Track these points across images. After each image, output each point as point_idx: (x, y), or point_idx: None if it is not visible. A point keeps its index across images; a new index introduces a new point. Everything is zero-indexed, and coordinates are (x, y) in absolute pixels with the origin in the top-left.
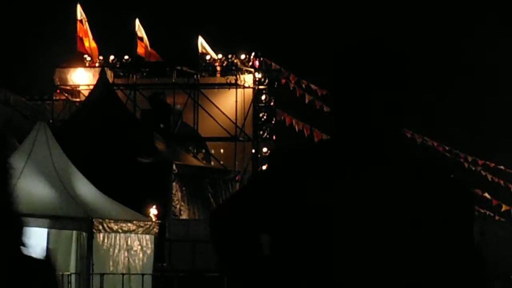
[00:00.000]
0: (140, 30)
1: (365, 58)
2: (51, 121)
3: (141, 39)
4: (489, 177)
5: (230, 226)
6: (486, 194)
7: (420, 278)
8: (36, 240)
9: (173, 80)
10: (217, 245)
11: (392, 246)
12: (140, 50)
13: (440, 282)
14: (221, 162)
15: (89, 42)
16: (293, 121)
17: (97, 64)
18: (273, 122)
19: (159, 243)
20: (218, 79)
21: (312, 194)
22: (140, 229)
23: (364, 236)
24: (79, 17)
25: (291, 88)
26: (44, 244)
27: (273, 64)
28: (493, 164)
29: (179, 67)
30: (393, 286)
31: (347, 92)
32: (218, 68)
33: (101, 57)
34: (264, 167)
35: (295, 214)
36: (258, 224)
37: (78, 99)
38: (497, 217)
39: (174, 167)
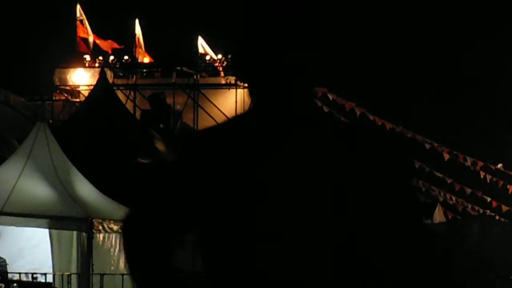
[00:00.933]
0: (138, 31)
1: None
2: (51, 121)
3: (138, 40)
4: (488, 178)
5: (147, 235)
6: (486, 196)
7: (353, 261)
8: (37, 240)
9: (173, 81)
10: (133, 256)
11: (316, 227)
12: (137, 51)
13: (376, 264)
14: None
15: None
16: None
17: (97, 64)
18: None
19: None
20: (218, 79)
21: (226, 180)
22: None
23: (286, 219)
24: (79, 17)
25: None
26: (44, 244)
27: None
28: (493, 165)
29: (178, 68)
30: (319, 272)
31: (252, 52)
32: (220, 69)
33: (101, 57)
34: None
35: (214, 205)
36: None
37: (78, 99)
38: (497, 217)
39: None
